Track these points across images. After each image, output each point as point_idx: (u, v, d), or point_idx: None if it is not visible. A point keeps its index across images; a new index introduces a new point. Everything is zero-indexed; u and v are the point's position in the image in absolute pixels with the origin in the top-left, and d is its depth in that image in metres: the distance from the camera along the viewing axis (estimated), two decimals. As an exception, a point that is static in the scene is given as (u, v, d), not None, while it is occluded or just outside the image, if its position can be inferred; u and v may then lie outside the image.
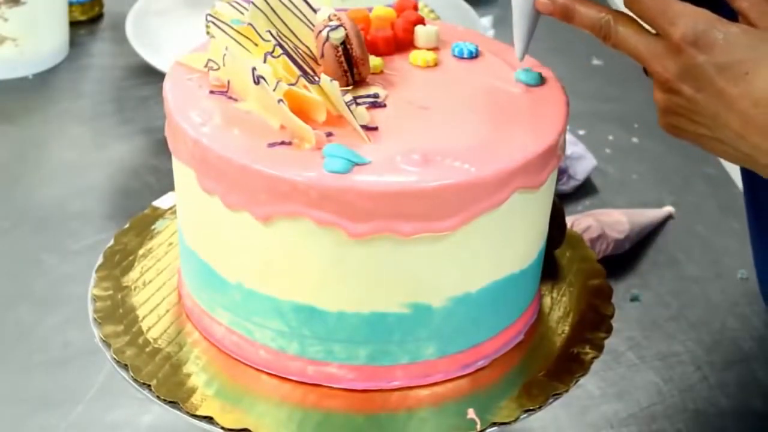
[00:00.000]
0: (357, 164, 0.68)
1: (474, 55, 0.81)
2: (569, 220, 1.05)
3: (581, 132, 1.26)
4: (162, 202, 0.89)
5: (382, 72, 0.78)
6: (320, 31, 0.74)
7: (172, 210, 0.87)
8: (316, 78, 0.72)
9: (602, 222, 1.06)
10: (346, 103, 0.71)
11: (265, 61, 0.71)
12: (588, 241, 1.04)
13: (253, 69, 0.70)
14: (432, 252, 0.70)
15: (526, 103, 0.76)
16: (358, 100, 0.73)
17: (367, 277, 0.70)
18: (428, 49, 0.80)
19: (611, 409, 0.92)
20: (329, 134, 0.70)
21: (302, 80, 0.71)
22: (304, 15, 0.77)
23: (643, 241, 1.10)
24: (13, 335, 0.97)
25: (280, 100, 0.69)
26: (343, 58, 0.74)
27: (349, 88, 0.75)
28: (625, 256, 1.08)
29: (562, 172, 1.15)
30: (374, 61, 0.78)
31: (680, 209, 1.15)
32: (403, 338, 0.73)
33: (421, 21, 0.82)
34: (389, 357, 0.73)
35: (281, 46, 0.72)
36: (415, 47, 0.81)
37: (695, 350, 0.97)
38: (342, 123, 0.71)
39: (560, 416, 0.90)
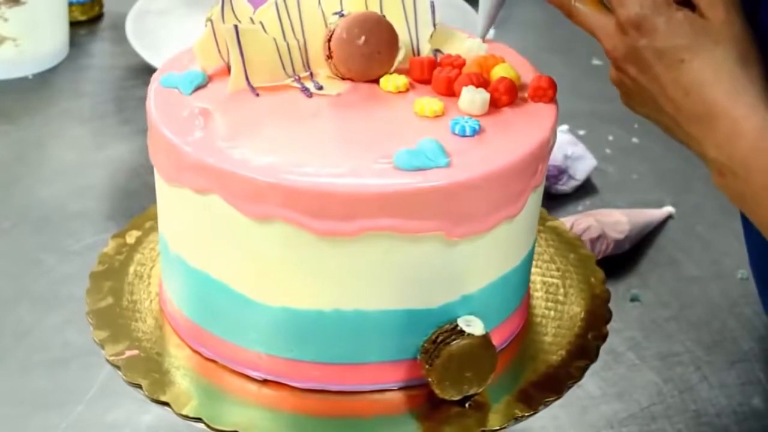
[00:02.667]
0: None
1: (473, 133, 0.73)
2: (569, 220, 1.05)
3: (581, 132, 1.26)
4: None
5: (398, 92, 0.76)
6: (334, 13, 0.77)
7: None
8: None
9: (602, 222, 1.06)
10: (294, 75, 0.76)
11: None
12: (588, 241, 1.04)
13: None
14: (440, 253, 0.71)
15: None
16: (302, 81, 0.76)
17: (361, 276, 0.71)
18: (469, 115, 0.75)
19: (611, 409, 0.92)
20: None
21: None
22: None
23: (643, 241, 1.10)
24: (13, 335, 0.97)
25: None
26: (328, 44, 0.76)
27: (327, 76, 0.77)
28: (625, 256, 1.08)
29: (562, 172, 1.15)
30: (398, 80, 0.76)
31: (680, 209, 1.15)
32: (392, 338, 0.73)
33: (510, 90, 0.76)
34: (369, 356, 0.73)
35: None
36: (453, 96, 0.76)
37: (695, 350, 0.97)
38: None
39: (560, 416, 0.90)
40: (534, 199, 0.75)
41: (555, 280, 0.85)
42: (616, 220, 1.08)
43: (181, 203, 0.73)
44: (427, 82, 0.78)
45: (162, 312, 0.79)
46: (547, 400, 0.74)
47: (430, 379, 0.72)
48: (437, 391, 0.72)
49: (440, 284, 0.72)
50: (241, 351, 0.74)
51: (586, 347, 0.78)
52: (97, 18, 1.47)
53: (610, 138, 1.28)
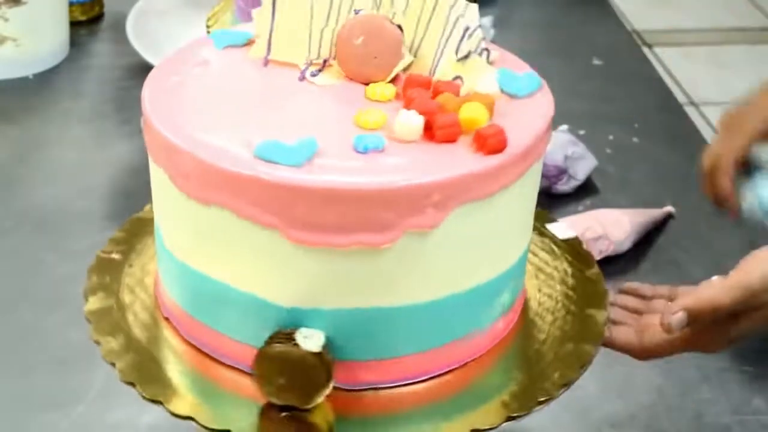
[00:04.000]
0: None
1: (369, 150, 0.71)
2: (570, 220, 1.05)
3: (581, 132, 1.26)
4: None
5: (384, 100, 0.74)
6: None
7: None
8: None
9: (603, 222, 1.06)
10: (307, 59, 0.77)
11: None
12: (588, 241, 1.04)
13: None
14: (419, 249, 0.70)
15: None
16: (305, 64, 0.77)
17: (358, 273, 0.70)
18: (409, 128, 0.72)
19: (611, 409, 0.92)
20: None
21: None
22: None
23: (643, 241, 1.10)
24: (13, 335, 0.97)
25: None
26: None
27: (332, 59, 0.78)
28: (626, 256, 1.08)
29: (563, 172, 1.15)
30: (387, 88, 0.74)
31: (680, 209, 1.15)
32: (388, 334, 0.73)
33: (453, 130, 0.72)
34: (373, 353, 0.73)
35: None
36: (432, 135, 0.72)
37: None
38: None
39: (560, 416, 0.90)
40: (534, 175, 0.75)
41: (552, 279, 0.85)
42: (616, 220, 1.08)
43: (178, 203, 0.73)
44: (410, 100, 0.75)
45: (159, 310, 0.79)
46: (541, 400, 0.74)
47: (255, 373, 0.71)
48: (257, 384, 0.71)
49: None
50: (240, 346, 0.74)
51: (582, 348, 0.79)
52: (98, 18, 1.47)
53: (611, 138, 1.28)
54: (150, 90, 0.77)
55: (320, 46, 0.77)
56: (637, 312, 0.84)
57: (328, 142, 0.70)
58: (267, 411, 0.72)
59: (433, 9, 0.77)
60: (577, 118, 1.26)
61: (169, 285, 0.78)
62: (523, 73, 0.77)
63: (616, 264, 1.06)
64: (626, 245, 1.08)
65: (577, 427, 0.90)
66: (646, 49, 2.72)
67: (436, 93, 0.75)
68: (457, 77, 0.77)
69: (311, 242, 0.68)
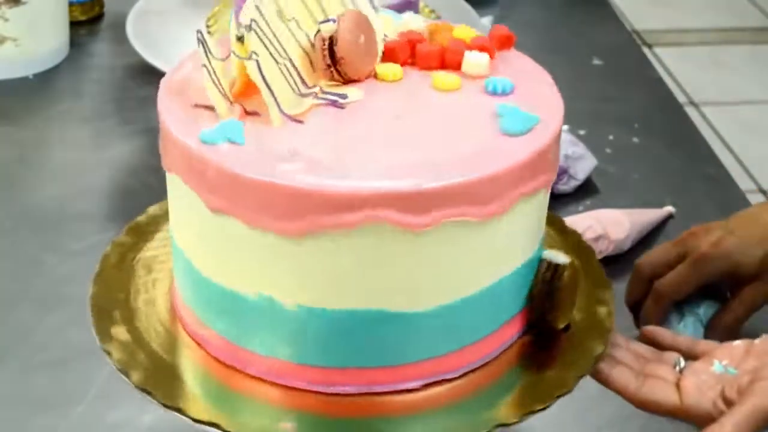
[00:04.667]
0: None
1: (508, 92, 0.77)
2: (570, 220, 1.05)
3: (581, 132, 1.26)
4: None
5: (393, 81, 0.78)
6: (320, 22, 0.76)
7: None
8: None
9: (603, 222, 1.06)
10: (305, 93, 0.74)
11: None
12: (588, 241, 1.04)
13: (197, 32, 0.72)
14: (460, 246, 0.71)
15: (487, 151, 0.73)
16: (321, 95, 0.74)
17: (385, 275, 0.71)
18: (470, 76, 0.78)
19: (612, 408, 0.91)
20: (253, 113, 0.72)
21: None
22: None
23: (643, 241, 1.10)
24: (13, 335, 0.97)
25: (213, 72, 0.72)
26: (327, 53, 0.75)
27: (331, 84, 0.76)
28: (626, 256, 1.08)
29: (563, 172, 1.15)
30: (392, 69, 0.78)
31: (680, 209, 1.15)
32: (414, 338, 0.73)
33: (484, 50, 0.79)
34: (398, 358, 0.73)
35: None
36: (460, 71, 0.79)
37: (695, 350, 0.97)
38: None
39: (561, 415, 0.90)
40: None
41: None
42: (616, 220, 1.07)
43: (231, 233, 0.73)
44: (407, 63, 0.79)
45: (174, 314, 0.79)
46: (559, 394, 0.74)
47: (551, 315, 0.77)
48: (558, 323, 0.78)
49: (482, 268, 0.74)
50: (266, 358, 0.74)
51: (598, 325, 0.80)
52: (98, 18, 1.47)
53: (611, 138, 1.28)
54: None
55: (295, 83, 0.75)
56: (645, 358, 0.81)
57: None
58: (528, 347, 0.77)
59: None
60: (577, 118, 1.26)
61: (184, 293, 0.78)
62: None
63: (616, 264, 1.06)
64: (626, 245, 1.08)
65: (578, 426, 0.90)
66: (646, 49, 2.72)
67: (415, 44, 0.80)
68: (384, 35, 0.81)
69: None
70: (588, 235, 1.04)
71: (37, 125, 1.26)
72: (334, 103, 0.75)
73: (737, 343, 0.79)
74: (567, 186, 1.16)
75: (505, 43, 0.82)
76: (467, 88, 0.77)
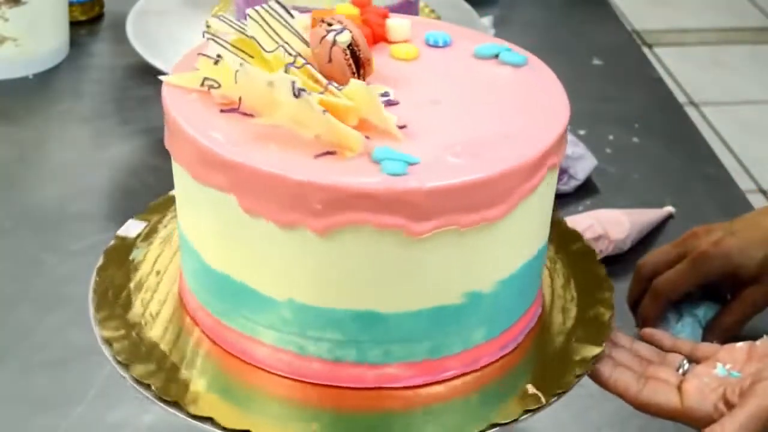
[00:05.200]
0: (410, 164, 0.68)
1: (448, 43, 0.82)
2: (570, 220, 1.05)
3: (581, 132, 1.26)
4: (127, 231, 0.86)
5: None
6: (324, 37, 0.74)
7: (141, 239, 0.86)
8: (335, 84, 0.72)
9: (603, 222, 1.06)
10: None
11: (287, 72, 0.70)
12: (588, 242, 1.04)
13: (293, 83, 0.69)
14: (486, 240, 0.71)
15: (522, 85, 0.78)
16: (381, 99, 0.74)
17: (427, 273, 0.71)
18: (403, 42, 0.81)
19: (612, 408, 0.91)
20: (366, 137, 0.70)
21: (330, 87, 0.71)
22: (289, 23, 0.77)
23: (643, 241, 1.10)
24: (13, 335, 0.97)
25: (324, 111, 0.68)
26: (351, 61, 0.74)
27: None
28: (626, 256, 1.08)
29: (563, 172, 1.15)
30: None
31: (680, 209, 1.15)
32: (458, 329, 0.73)
33: (386, 15, 0.82)
34: (445, 349, 0.74)
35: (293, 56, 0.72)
36: (386, 41, 0.81)
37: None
38: (368, 126, 0.71)
39: (561, 415, 0.90)
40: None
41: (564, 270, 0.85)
42: (616, 220, 1.08)
43: (211, 207, 0.72)
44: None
45: (183, 306, 0.79)
46: (558, 392, 0.74)
47: None
48: None
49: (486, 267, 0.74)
50: (273, 350, 0.74)
51: (598, 326, 0.79)
52: (98, 18, 1.47)
53: (611, 138, 1.28)
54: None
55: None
56: (647, 360, 0.80)
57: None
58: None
59: None
60: (577, 118, 1.26)
61: (193, 285, 0.77)
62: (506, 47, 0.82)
63: (616, 264, 1.06)
64: (626, 245, 1.08)
65: (578, 425, 0.90)
66: (646, 49, 2.72)
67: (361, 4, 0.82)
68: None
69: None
70: (588, 235, 1.04)
71: (37, 125, 1.26)
72: (389, 103, 0.74)
73: (739, 345, 0.79)
74: (567, 186, 1.16)
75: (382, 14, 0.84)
76: (425, 53, 0.81)
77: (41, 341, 0.96)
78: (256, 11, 0.76)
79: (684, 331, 0.94)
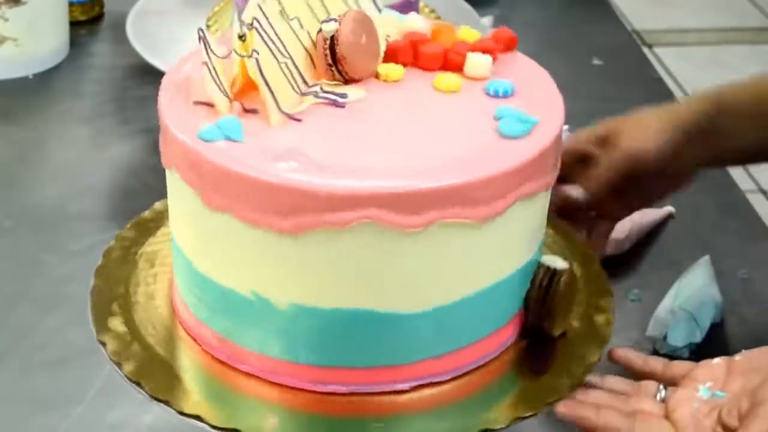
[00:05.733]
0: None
1: (509, 95, 0.77)
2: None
3: (581, 132, 1.26)
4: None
5: (394, 81, 0.78)
6: (323, 21, 0.76)
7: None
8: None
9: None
10: (306, 92, 0.74)
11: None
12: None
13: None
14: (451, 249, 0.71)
15: (484, 152, 0.73)
16: (321, 94, 0.75)
17: (379, 275, 0.71)
18: (472, 78, 0.79)
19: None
20: (252, 110, 0.72)
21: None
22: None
23: (643, 241, 1.10)
24: (13, 335, 0.97)
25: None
26: (328, 52, 0.75)
27: (332, 83, 0.76)
28: (626, 256, 1.08)
29: (563, 172, 1.15)
30: (394, 69, 0.78)
31: (680, 209, 1.15)
32: (407, 340, 0.73)
33: (487, 51, 0.79)
34: (390, 358, 0.73)
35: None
36: (462, 72, 0.79)
37: (696, 350, 0.97)
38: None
39: (551, 420, 0.90)
40: None
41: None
42: (616, 220, 1.07)
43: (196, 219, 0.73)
44: (408, 64, 0.79)
45: (175, 315, 0.79)
46: (551, 401, 0.74)
47: (547, 322, 0.76)
48: (554, 330, 0.77)
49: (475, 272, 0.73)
50: (259, 356, 0.74)
51: (597, 332, 0.79)
52: (98, 18, 1.47)
53: (611, 138, 1.27)
54: None
55: (295, 81, 0.75)
56: (624, 393, 0.78)
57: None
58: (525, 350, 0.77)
59: None
60: (577, 118, 1.26)
61: (184, 292, 0.78)
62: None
63: (616, 264, 1.06)
64: (626, 245, 1.08)
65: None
66: (646, 49, 2.72)
67: (418, 45, 0.80)
68: (387, 35, 0.81)
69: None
70: (588, 235, 1.04)
71: (37, 125, 1.26)
72: (334, 103, 0.75)
73: (716, 361, 0.78)
74: (567, 186, 1.16)
75: (508, 45, 0.82)
76: (468, 90, 0.77)
77: (41, 341, 0.96)
78: None
79: (678, 327, 0.94)
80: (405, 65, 0.79)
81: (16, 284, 1.03)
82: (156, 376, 0.73)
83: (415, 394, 0.74)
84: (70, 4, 1.41)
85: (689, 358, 0.96)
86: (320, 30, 0.76)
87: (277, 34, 0.74)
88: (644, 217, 1.11)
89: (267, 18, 0.73)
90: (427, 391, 0.74)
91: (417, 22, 0.83)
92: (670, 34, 3.04)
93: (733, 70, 2.93)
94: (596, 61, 1.43)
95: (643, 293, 1.04)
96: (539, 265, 0.77)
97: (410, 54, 0.80)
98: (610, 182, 0.90)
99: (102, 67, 1.37)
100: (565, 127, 1.23)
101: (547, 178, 0.75)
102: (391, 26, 0.82)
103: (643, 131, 0.91)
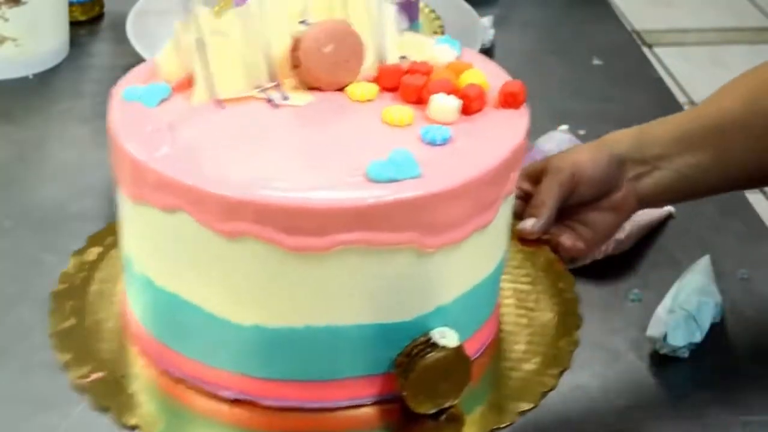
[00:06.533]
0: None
1: (437, 143, 0.74)
2: (569, 220, 1.05)
3: (581, 132, 1.26)
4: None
5: (362, 101, 0.76)
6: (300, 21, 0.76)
7: None
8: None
9: (602, 222, 1.06)
10: (259, 85, 0.74)
11: None
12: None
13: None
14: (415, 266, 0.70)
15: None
16: (266, 92, 0.74)
17: (333, 291, 0.69)
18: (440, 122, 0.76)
19: (611, 409, 0.91)
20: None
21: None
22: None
23: (643, 240, 1.10)
24: (13, 335, 0.97)
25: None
26: (292, 51, 0.75)
27: (293, 86, 0.76)
28: (626, 256, 1.08)
29: (563, 172, 1.15)
30: (363, 89, 0.76)
31: (680, 209, 1.15)
32: (366, 353, 0.72)
33: (467, 97, 0.77)
34: (342, 372, 0.72)
35: None
36: (422, 104, 0.77)
37: (696, 350, 0.97)
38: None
39: (561, 416, 0.90)
40: (506, 207, 0.74)
41: (525, 287, 0.84)
42: (616, 220, 1.07)
43: (148, 222, 0.71)
44: (395, 89, 0.77)
45: (126, 332, 0.78)
46: (523, 410, 0.73)
47: (404, 393, 0.71)
48: (412, 405, 0.72)
49: (414, 297, 0.71)
50: (211, 370, 0.73)
51: (559, 354, 0.78)
52: (98, 18, 1.47)
53: (611, 138, 1.27)
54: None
55: (258, 73, 0.74)
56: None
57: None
58: (408, 427, 0.72)
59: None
60: (577, 118, 1.26)
61: (135, 306, 0.77)
62: None
63: (616, 264, 1.06)
64: (626, 245, 1.08)
65: (578, 426, 0.90)
66: (646, 49, 2.72)
67: (422, 75, 0.77)
68: (403, 57, 0.79)
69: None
70: (588, 235, 1.04)
71: (37, 125, 1.26)
72: (269, 101, 0.73)
73: None
74: (567, 186, 1.16)
75: (510, 102, 0.78)
76: (412, 129, 0.74)
77: (41, 341, 0.96)
78: None
79: (678, 327, 0.94)
80: (388, 90, 0.77)
81: (16, 284, 1.02)
82: (103, 385, 0.72)
83: (383, 407, 0.73)
84: (70, 4, 1.41)
85: (689, 358, 0.96)
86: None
87: (264, 23, 0.73)
88: (644, 217, 1.11)
89: None
90: (379, 407, 0.74)
91: (444, 52, 0.80)
92: (670, 34, 3.04)
93: (733, 70, 2.93)
94: (596, 61, 1.43)
95: (643, 293, 1.04)
96: (427, 332, 0.73)
97: (395, 80, 0.77)
98: (556, 199, 0.91)
99: (102, 67, 1.37)
100: (565, 127, 1.24)
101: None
102: (419, 49, 0.80)
103: (574, 151, 0.94)
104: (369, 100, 0.76)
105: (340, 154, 0.70)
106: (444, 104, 0.74)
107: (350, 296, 0.69)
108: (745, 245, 1.10)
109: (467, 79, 0.77)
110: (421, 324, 0.71)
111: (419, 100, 0.76)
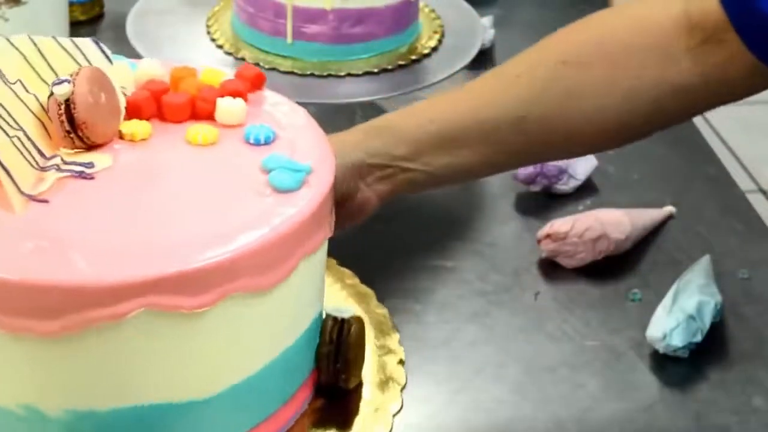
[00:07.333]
0: None
1: (270, 141, 0.71)
2: (571, 220, 1.05)
3: (581, 132, 1.26)
4: None
5: (142, 140, 0.71)
6: (53, 84, 0.68)
7: None
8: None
9: (603, 222, 1.06)
10: (46, 167, 0.66)
11: None
12: (589, 241, 1.04)
13: None
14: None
15: (262, 211, 0.66)
16: (64, 166, 0.67)
17: (167, 364, 0.64)
18: (226, 126, 0.72)
19: (612, 409, 0.91)
20: None
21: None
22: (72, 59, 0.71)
23: (643, 240, 1.10)
24: (13, 335, 0.97)
25: None
26: (64, 117, 0.67)
27: (73, 151, 0.69)
28: (626, 256, 1.08)
29: (563, 172, 1.15)
30: (139, 126, 0.71)
31: (681, 209, 1.15)
32: (205, 426, 0.67)
33: (237, 94, 0.73)
34: None
35: None
36: (214, 121, 0.73)
37: (696, 350, 0.97)
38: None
39: (561, 416, 0.90)
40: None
41: None
42: (617, 220, 1.07)
43: None
44: (153, 117, 0.72)
45: None
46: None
47: (343, 376, 0.72)
48: (350, 383, 0.73)
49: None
50: None
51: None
52: (98, 18, 1.47)
53: (611, 138, 1.28)
54: None
55: (32, 156, 0.66)
56: None
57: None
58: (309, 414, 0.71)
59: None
60: (577, 118, 1.26)
61: None
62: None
63: (616, 264, 1.06)
64: (626, 245, 1.08)
65: (578, 426, 0.90)
66: (646, 49, 2.71)
67: (160, 95, 0.73)
68: (122, 87, 0.75)
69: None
70: (588, 235, 1.04)
71: (37, 125, 1.26)
72: (80, 175, 0.66)
73: None
74: (567, 186, 1.16)
75: (255, 84, 0.75)
76: (226, 140, 0.70)
77: (41, 341, 0.96)
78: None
79: (678, 327, 0.94)
80: (150, 120, 0.72)
81: (16, 284, 1.02)
82: None
83: None
84: (70, 4, 1.40)
85: (689, 358, 0.96)
86: (51, 93, 0.67)
87: (1, 104, 0.65)
88: (644, 216, 1.11)
89: None
90: (301, 418, 0.72)
91: (153, 69, 0.75)
92: (670, 34, 3.03)
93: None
94: (596, 61, 1.43)
95: (643, 293, 1.04)
96: (326, 316, 0.72)
97: (154, 106, 0.72)
98: None
99: (102, 67, 1.37)
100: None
101: (326, 229, 0.70)
102: (125, 77, 0.74)
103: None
104: (145, 139, 0.70)
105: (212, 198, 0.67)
106: (232, 106, 0.72)
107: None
108: (745, 245, 1.10)
109: (208, 80, 0.74)
110: (223, 399, 0.67)
111: (193, 115, 0.72)
